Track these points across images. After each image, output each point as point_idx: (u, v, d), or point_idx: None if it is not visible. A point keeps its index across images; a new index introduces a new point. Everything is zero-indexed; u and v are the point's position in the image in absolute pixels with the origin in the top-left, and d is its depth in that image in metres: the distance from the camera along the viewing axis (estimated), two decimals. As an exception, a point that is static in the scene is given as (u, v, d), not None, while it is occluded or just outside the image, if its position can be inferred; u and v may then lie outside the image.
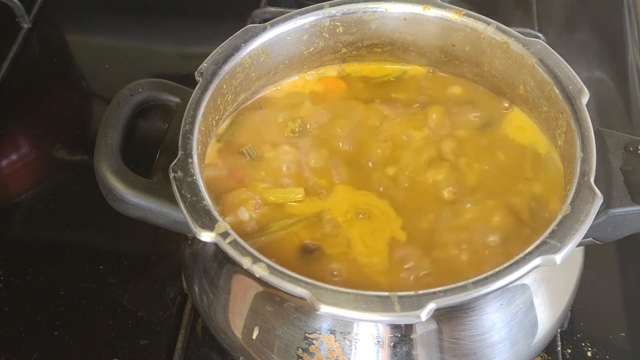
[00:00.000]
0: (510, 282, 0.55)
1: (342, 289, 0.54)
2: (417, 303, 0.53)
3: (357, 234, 0.66)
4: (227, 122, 0.74)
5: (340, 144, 0.72)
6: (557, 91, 0.66)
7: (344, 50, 0.77)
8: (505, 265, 0.55)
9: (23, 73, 1.03)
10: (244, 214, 0.66)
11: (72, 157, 0.94)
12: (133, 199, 0.63)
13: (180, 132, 0.64)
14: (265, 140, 0.73)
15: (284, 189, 0.69)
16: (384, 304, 0.53)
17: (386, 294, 0.54)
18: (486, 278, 0.55)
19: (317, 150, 0.72)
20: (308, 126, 0.74)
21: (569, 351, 0.75)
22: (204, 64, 0.68)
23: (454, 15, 0.72)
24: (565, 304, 0.67)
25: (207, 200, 0.59)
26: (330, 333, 0.60)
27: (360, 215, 0.67)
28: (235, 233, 0.57)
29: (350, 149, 0.72)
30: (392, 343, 0.60)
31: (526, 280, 0.61)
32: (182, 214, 0.59)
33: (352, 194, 0.69)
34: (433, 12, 0.73)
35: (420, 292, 0.54)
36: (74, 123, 0.99)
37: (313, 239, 0.65)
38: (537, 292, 0.63)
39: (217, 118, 0.70)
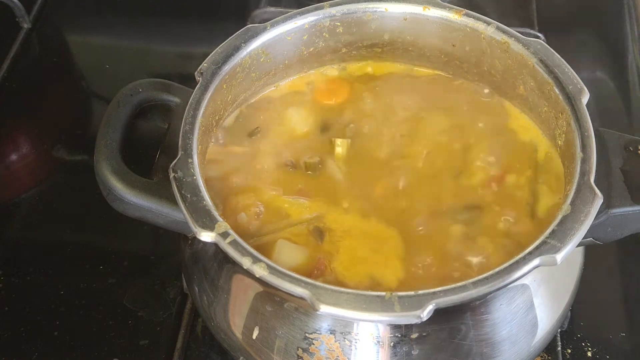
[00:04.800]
0: (510, 282, 0.55)
1: (342, 289, 0.54)
2: (417, 303, 0.53)
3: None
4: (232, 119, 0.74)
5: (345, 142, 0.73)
6: (557, 91, 0.66)
7: (344, 50, 0.77)
8: (505, 265, 0.55)
9: (23, 73, 1.03)
10: (243, 220, 0.66)
11: (72, 157, 0.94)
12: (133, 199, 0.63)
13: (180, 132, 0.64)
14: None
15: (291, 200, 0.68)
16: (384, 304, 0.53)
17: (386, 293, 0.54)
18: (486, 278, 0.55)
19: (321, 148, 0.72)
20: (311, 124, 0.74)
21: (569, 351, 0.75)
22: (204, 64, 0.68)
23: (454, 15, 0.72)
24: (565, 304, 0.67)
25: (207, 200, 0.59)
26: (330, 333, 0.60)
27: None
28: (235, 233, 0.57)
29: (358, 149, 0.72)
30: (392, 343, 0.60)
31: (526, 280, 0.61)
32: (182, 214, 0.59)
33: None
34: (433, 12, 0.73)
35: (420, 292, 0.54)
36: (74, 123, 0.99)
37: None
38: (537, 292, 0.63)
39: (217, 118, 0.70)
